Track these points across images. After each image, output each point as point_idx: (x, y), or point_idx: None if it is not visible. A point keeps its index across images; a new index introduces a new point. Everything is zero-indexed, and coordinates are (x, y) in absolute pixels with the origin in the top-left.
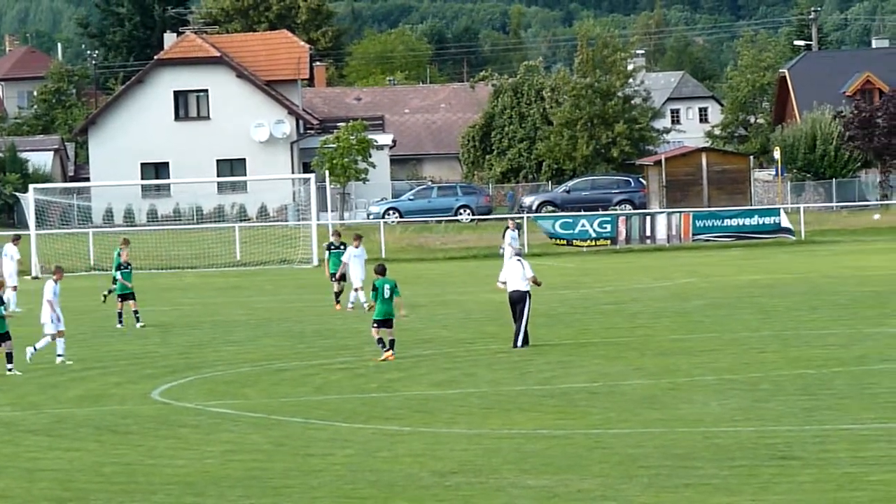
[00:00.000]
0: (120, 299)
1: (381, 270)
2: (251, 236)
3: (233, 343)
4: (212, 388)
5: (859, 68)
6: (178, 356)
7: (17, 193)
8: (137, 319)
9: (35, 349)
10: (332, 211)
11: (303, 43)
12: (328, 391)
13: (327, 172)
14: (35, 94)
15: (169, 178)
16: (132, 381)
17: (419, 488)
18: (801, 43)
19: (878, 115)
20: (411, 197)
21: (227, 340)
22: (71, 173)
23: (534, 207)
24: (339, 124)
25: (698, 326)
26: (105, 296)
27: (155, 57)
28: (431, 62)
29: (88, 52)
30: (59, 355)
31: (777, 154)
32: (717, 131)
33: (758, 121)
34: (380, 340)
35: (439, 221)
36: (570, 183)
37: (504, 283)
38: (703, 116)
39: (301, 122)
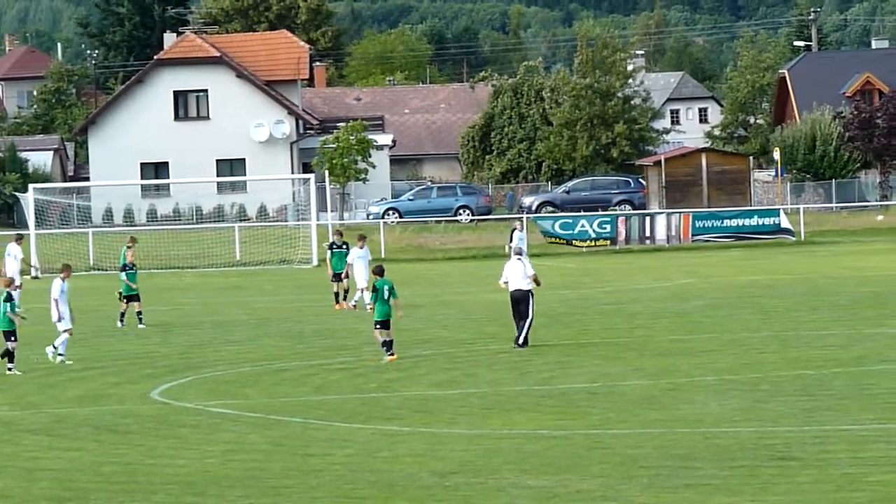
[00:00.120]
0: (125, 300)
1: (379, 271)
2: (251, 236)
3: (232, 343)
4: (212, 388)
5: (859, 69)
6: (178, 356)
7: (16, 193)
8: (140, 321)
9: (55, 347)
10: (331, 211)
11: (302, 43)
12: (328, 391)
13: (327, 172)
14: (35, 93)
15: (169, 177)
16: (132, 380)
17: (419, 488)
18: (801, 43)
19: (878, 115)
20: (411, 197)
21: (226, 340)
22: (71, 173)
23: (533, 208)
24: (338, 124)
25: (698, 327)
26: (120, 293)
27: (155, 57)
28: (431, 62)
29: (88, 51)
30: (59, 354)
31: (777, 155)
32: (716, 132)
33: (757, 121)
34: (384, 343)
35: (439, 222)
36: (570, 183)
37: (506, 282)
38: (702, 117)
39: (301, 122)
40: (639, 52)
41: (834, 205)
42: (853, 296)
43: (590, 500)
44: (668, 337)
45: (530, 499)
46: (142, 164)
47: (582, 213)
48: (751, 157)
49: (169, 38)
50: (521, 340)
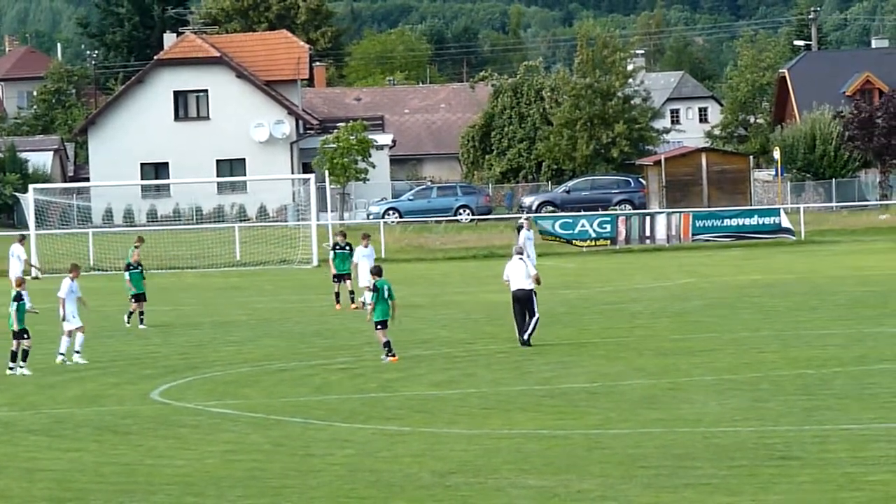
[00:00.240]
0: (133, 300)
1: (377, 271)
2: (251, 236)
3: (232, 343)
4: (211, 389)
5: (859, 68)
6: (178, 356)
7: (16, 194)
8: (141, 321)
9: (78, 351)
10: (331, 211)
11: (302, 43)
12: (328, 391)
13: (327, 172)
14: (35, 94)
15: (169, 178)
16: (131, 381)
17: (419, 488)
18: (801, 43)
19: (878, 115)
20: (411, 197)
21: (226, 341)
22: (71, 173)
23: (533, 208)
24: (338, 124)
25: (698, 326)
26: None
27: (155, 57)
28: (431, 62)
29: (88, 52)
30: (59, 353)
31: (777, 154)
32: (716, 131)
33: (757, 121)
34: (386, 343)
35: (439, 221)
36: (570, 183)
37: (508, 280)
38: (702, 116)
39: (301, 122)
40: (639, 51)
41: (834, 204)
42: (853, 295)
43: (590, 499)
44: (669, 336)
45: (530, 499)
46: (142, 164)
47: (582, 213)
48: (751, 157)
49: (169, 39)
50: (526, 337)
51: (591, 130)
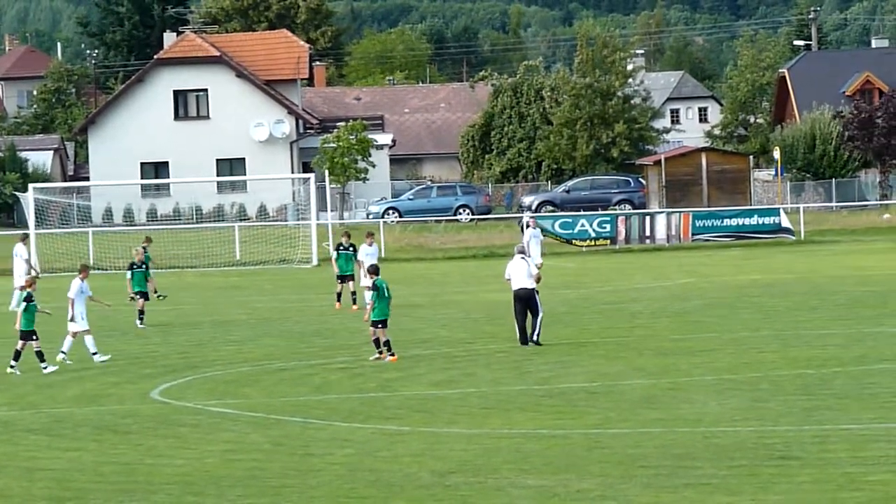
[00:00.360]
0: (139, 298)
1: (375, 270)
2: (251, 236)
3: (232, 343)
4: (211, 388)
5: (859, 68)
6: (178, 356)
7: (16, 193)
8: (141, 320)
9: (95, 352)
10: (331, 211)
11: (302, 42)
12: (327, 391)
13: (327, 172)
14: (35, 93)
15: (168, 177)
16: (131, 380)
17: (418, 488)
18: (801, 43)
19: (878, 115)
20: (411, 196)
21: (226, 340)
22: (70, 173)
23: (533, 207)
24: (338, 124)
25: (698, 326)
26: (155, 291)
27: (155, 56)
28: (431, 62)
29: (88, 51)
30: (61, 351)
31: (777, 154)
32: (716, 131)
33: (757, 121)
34: (385, 343)
35: (439, 221)
36: (570, 183)
37: (509, 279)
38: (702, 116)
39: (301, 121)
40: (639, 51)
41: (834, 204)
42: (853, 295)
43: (589, 499)
44: (668, 336)
45: (530, 498)
46: (142, 163)
47: (582, 213)
48: (751, 157)
49: (169, 38)
50: (535, 338)
51: (590, 130)
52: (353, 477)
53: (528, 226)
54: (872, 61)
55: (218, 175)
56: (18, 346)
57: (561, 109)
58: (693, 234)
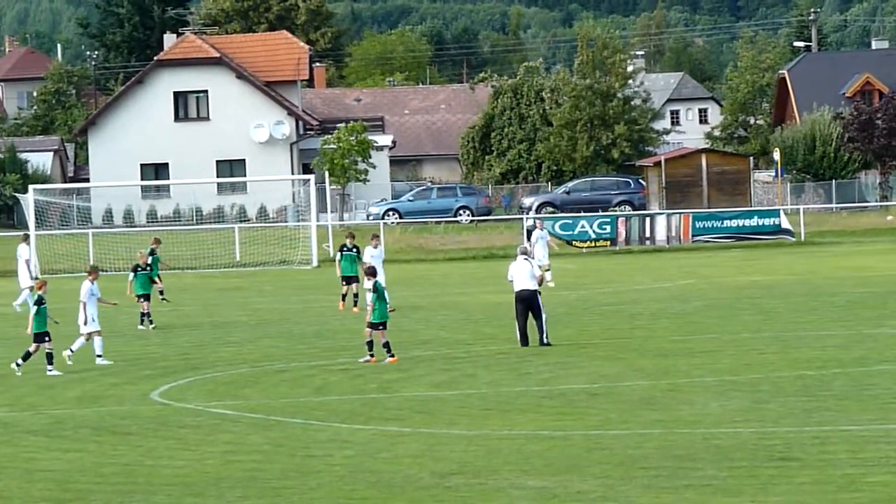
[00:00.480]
0: (142, 299)
1: (373, 272)
2: (251, 237)
3: (232, 344)
4: (211, 389)
5: (859, 69)
6: (178, 357)
7: (16, 194)
8: (141, 321)
9: (100, 355)
10: (331, 212)
11: (302, 44)
12: (328, 392)
13: (327, 173)
14: (35, 94)
15: (169, 178)
16: (131, 381)
17: (419, 489)
18: (801, 44)
19: (878, 116)
20: (411, 198)
21: (226, 341)
22: (71, 174)
23: (534, 209)
24: (338, 125)
25: (698, 328)
26: (161, 293)
27: (155, 58)
28: (431, 63)
29: (88, 52)
30: (70, 349)
31: (777, 155)
32: (716, 132)
33: (757, 122)
34: (385, 344)
35: (439, 222)
36: (570, 184)
37: (511, 280)
38: (702, 117)
39: (301, 122)
40: (639, 52)
41: (834, 205)
42: (853, 296)
43: (590, 500)
44: (669, 337)
45: (530, 499)
46: (142, 164)
47: (582, 214)
48: (751, 158)
49: (169, 39)
50: (545, 339)
51: (591, 131)
52: (354, 478)
53: (534, 227)
54: (872, 63)
55: (218, 176)
56: (31, 349)
57: (561, 111)
58: (693, 236)
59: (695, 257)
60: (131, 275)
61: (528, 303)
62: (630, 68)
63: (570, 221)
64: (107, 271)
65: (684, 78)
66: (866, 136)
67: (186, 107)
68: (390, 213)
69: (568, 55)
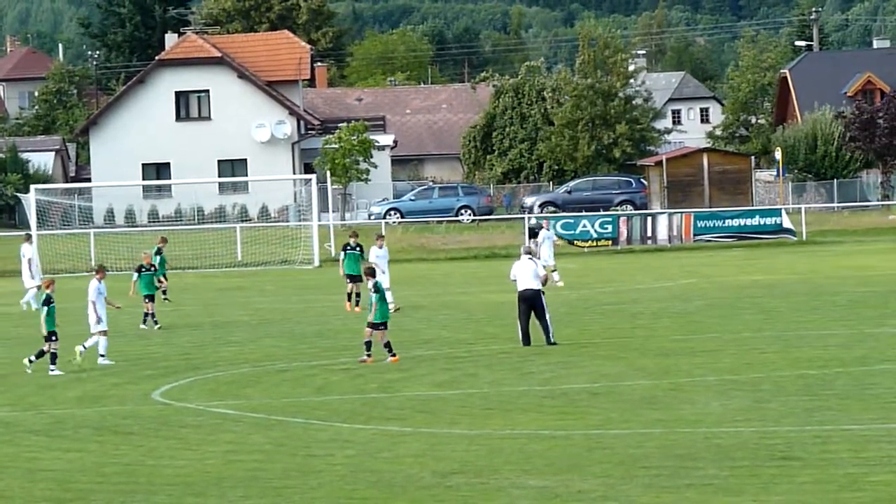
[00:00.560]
0: (147, 300)
1: (373, 272)
2: (252, 237)
3: (234, 343)
4: (213, 389)
5: (860, 69)
6: (179, 357)
7: (18, 194)
8: (144, 321)
9: (103, 355)
10: (333, 211)
11: (304, 43)
12: (329, 392)
13: (328, 173)
14: (36, 94)
15: (170, 178)
16: (133, 381)
17: (420, 489)
18: (802, 43)
19: (880, 115)
20: (412, 197)
21: (228, 341)
22: (72, 174)
23: (535, 208)
24: (340, 125)
25: (699, 327)
26: (164, 293)
27: (156, 57)
28: (432, 63)
29: (89, 52)
30: (83, 346)
31: (778, 154)
32: (718, 132)
33: (759, 121)
34: (386, 344)
35: (440, 222)
36: (572, 183)
37: (514, 279)
38: (704, 117)
39: (302, 122)
40: (640, 52)
41: (835, 205)
42: (855, 295)
43: (591, 499)
44: (670, 337)
45: (531, 499)
46: (143, 164)
47: (584, 213)
48: (752, 157)
49: (170, 39)
50: (552, 339)
51: (592, 131)
52: (355, 478)
53: (540, 227)
54: (874, 62)
55: (219, 176)
56: (45, 348)
57: (562, 110)
58: (694, 235)
59: (696, 257)
60: (135, 275)
61: (531, 302)
62: (631, 68)
63: (572, 221)
64: (108, 271)
65: (686, 77)
66: (868, 136)
67: (188, 106)
68: (392, 212)
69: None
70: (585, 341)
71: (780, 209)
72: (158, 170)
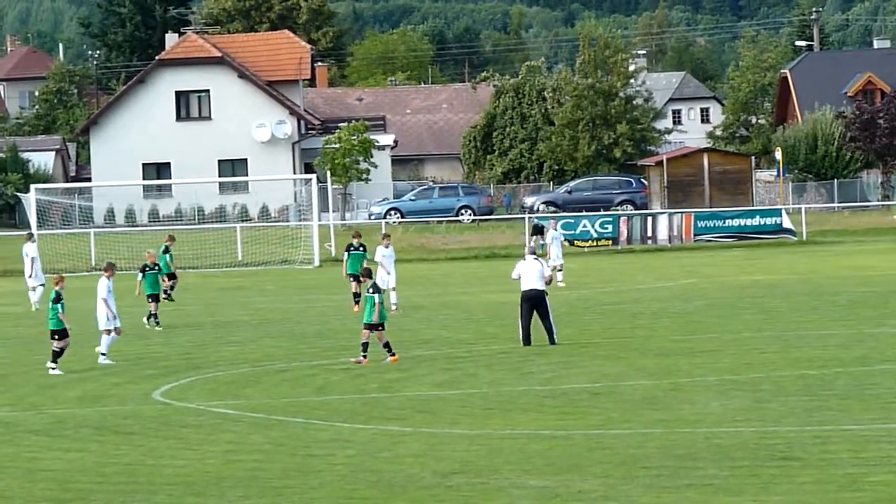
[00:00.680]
0: (150, 300)
1: (369, 273)
2: (253, 236)
3: (234, 343)
4: (213, 389)
5: (861, 69)
6: (180, 356)
7: (18, 194)
8: (147, 321)
9: (104, 353)
10: (333, 211)
11: (304, 43)
12: (329, 392)
13: (329, 173)
14: (37, 94)
15: (170, 178)
16: (133, 381)
17: (420, 489)
18: (803, 43)
19: (880, 115)
20: (413, 197)
21: (228, 341)
22: (72, 173)
23: (535, 208)
24: (340, 125)
25: (699, 327)
26: (168, 295)
27: (156, 57)
28: (433, 63)
29: (90, 52)
30: (101, 354)
31: (778, 155)
32: (718, 132)
33: (759, 121)
34: (385, 344)
35: (440, 222)
36: (572, 183)
37: (517, 278)
38: (704, 117)
39: (302, 122)
40: (640, 52)
41: (836, 205)
42: (855, 296)
43: (591, 499)
44: (670, 337)
45: (532, 499)
46: (144, 164)
47: (584, 213)
48: (752, 157)
49: (171, 39)
50: (555, 339)
51: (592, 131)
52: (355, 478)
53: (547, 228)
54: (874, 62)
55: (220, 176)
56: (56, 346)
57: (563, 110)
58: (695, 235)
59: (696, 257)
60: (140, 275)
61: (534, 303)
62: (632, 68)
63: (572, 221)
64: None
65: (686, 77)
66: (868, 136)
67: (188, 106)
68: (392, 212)
69: (570, 55)
70: (586, 341)
71: (781, 209)
72: (159, 169)
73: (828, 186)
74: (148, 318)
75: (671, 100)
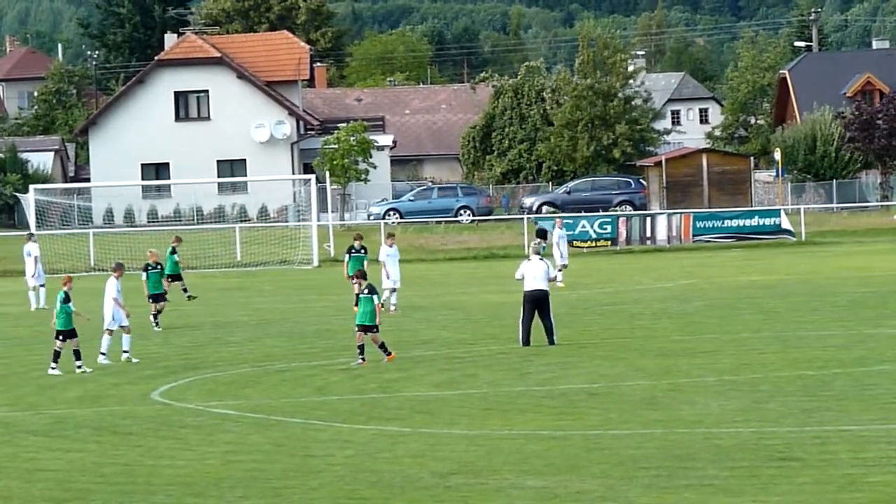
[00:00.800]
0: (152, 300)
1: (364, 275)
2: (251, 237)
3: (233, 344)
4: (212, 389)
5: (860, 69)
6: (179, 357)
7: (17, 194)
8: (156, 322)
9: (104, 353)
10: (332, 212)
11: (303, 44)
12: (328, 392)
13: (328, 173)
14: (35, 94)
15: (169, 178)
16: (132, 381)
17: (419, 489)
18: (802, 44)
19: (879, 116)
20: (412, 198)
21: (227, 341)
22: (71, 174)
23: (534, 209)
24: (339, 125)
25: (698, 327)
26: (188, 295)
27: (155, 57)
28: (432, 63)
29: (89, 52)
30: (101, 353)
31: (777, 155)
32: (717, 132)
33: (758, 122)
34: (381, 345)
35: (439, 222)
36: (571, 184)
37: (521, 277)
38: (703, 117)
39: (301, 122)
40: (639, 52)
41: (835, 205)
42: (854, 296)
43: (590, 500)
44: (669, 337)
45: (530, 499)
46: (142, 164)
47: (583, 214)
48: (751, 158)
49: (170, 39)
50: (554, 339)
51: (591, 131)
52: (354, 478)
53: (551, 230)
54: (873, 62)
55: (219, 176)
56: (74, 347)
57: (562, 110)
58: (694, 236)
59: (695, 257)
60: (144, 274)
61: (537, 303)
62: (631, 68)
63: (571, 221)
64: (106, 271)
65: (685, 78)
66: (867, 136)
67: (187, 107)
68: (391, 212)
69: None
70: (585, 342)
71: (780, 210)
72: (157, 170)
73: (827, 187)
74: (153, 317)
75: (670, 100)
